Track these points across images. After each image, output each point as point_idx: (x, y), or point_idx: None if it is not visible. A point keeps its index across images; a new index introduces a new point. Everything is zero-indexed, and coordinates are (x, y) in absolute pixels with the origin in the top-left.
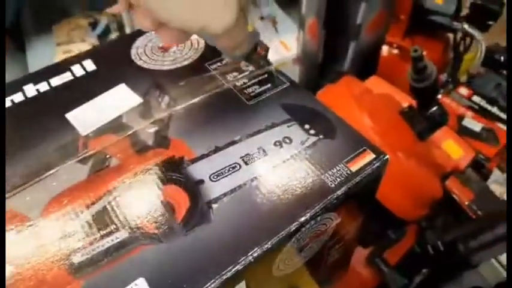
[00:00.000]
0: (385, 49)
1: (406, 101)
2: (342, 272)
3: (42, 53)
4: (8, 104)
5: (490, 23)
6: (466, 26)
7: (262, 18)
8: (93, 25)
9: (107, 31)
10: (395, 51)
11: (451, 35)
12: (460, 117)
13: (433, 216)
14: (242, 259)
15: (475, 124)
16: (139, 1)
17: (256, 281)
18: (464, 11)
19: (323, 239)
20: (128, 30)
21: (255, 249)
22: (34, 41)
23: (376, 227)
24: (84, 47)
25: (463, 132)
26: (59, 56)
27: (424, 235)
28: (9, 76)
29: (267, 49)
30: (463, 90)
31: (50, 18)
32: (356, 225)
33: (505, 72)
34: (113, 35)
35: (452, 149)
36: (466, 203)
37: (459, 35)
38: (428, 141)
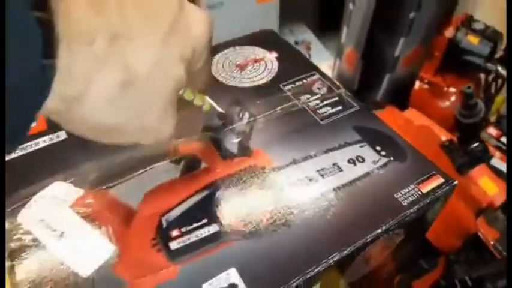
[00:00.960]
0: (417, 84)
1: (444, 134)
2: None
3: None
4: None
5: None
6: (499, 68)
7: (296, 43)
8: None
9: None
10: (426, 86)
11: (482, 75)
12: (489, 157)
13: (461, 251)
14: (323, 262)
15: (502, 165)
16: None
17: (327, 284)
18: (499, 53)
19: (383, 256)
20: None
21: (334, 254)
22: None
23: (411, 255)
24: None
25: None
26: None
27: (453, 269)
28: None
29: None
30: (492, 131)
31: None
32: (404, 251)
33: None
34: None
35: (488, 185)
36: (492, 242)
37: (491, 75)
38: (466, 176)
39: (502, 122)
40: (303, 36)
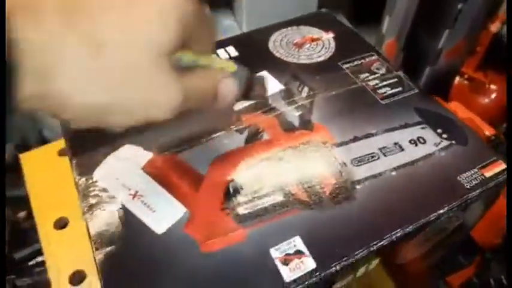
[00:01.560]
0: (457, 79)
1: (487, 129)
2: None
3: None
4: None
5: None
6: None
7: None
8: None
9: None
10: (466, 82)
11: None
12: None
13: (499, 249)
14: (387, 236)
15: None
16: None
17: (385, 261)
18: None
19: (439, 237)
20: None
21: (398, 230)
22: None
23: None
24: None
25: None
26: None
27: (489, 267)
28: None
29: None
30: None
31: None
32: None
33: None
34: None
35: None
36: None
37: None
38: None
39: None
40: None
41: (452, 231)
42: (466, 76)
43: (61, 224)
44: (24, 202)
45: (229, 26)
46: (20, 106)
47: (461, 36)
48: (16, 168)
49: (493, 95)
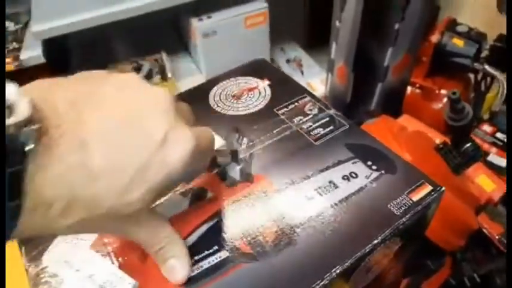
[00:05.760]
0: (408, 89)
1: (437, 137)
2: None
3: None
4: None
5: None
6: (487, 66)
7: (288, 61)
8: (137, 69)
9: (149, 75)
10: (418, 90)
11: (471, 75)
12: (486, 154)
13: (467, 249)
14: (327, 275)
15: (500, 159)
16: None
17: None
18: (484, 53)
19: (385, 263)
20: (169, 75)
21: (337, 267)
22: None
23: (416, 257)
24: None
25: (489, 168)
26: None
27: (461, 267)
28: None
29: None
30: (487, 128)
31: (98, 63)
32: (407, 254)
33: None
34: (156, 78)
35: (485, 182)
36: (497, 237)
37: (480, 75)
38: (462, 176)
39: (494, 118)
40: (294, 54)
41: (397, 253)
42: (417, 85)
43: None
44: None
45: (188, 68)
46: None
47: (404, 51)
48: None
49: (444, 100)
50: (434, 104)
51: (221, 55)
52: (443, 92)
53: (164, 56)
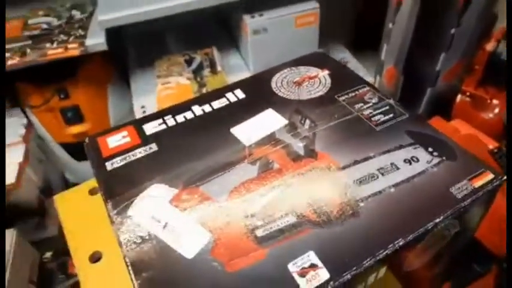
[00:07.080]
0: (458, 97)
1: (490, 143)
2: None
3: (143, 82)
4: (181, 119)
5: None
6: None
7: None
8: (189, 62)
9: (200, 67)
10: (468, 99)
11: None
12: None
13: None
14: (390, 246)
15: None
16: None
17: (394, 270)
18: None
19: (441, 244)
20: (219, 68)
21: (399, 240)
22: (137, 72)
23: (463, 257)
24: (181, 80)
25: None
26: (159, 87)
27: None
28: (113, 99)
29: None
30: None
31: (152, 55)
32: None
33: None
34: (206, 71)
35: None
36: None
37: None
38: None
39: None
40: (341, 56)
41: (452, 238)
42: (467, 94)
43: (96, 257)
44: (50, 243)
45: (236, 64)
46: None
47: (457, 58)
48: (42, 212)
49: (496, 110)
50: (485, 113)
51: (269, 53)
52: (495, 101)
53: (215, 50)
